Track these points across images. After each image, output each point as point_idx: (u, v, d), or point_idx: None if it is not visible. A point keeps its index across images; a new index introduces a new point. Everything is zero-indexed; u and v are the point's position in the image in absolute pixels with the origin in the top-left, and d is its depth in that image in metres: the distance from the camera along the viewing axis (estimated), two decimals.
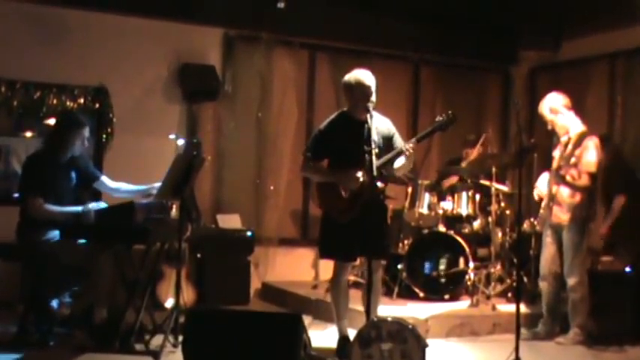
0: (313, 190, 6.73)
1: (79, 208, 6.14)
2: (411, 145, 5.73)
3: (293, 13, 8.74)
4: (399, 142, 5.94)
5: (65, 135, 6.31)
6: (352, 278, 7.88)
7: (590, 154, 6.61)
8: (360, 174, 5.72)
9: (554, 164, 6.83)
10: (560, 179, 6.67)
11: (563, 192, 6.70)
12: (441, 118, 5.83)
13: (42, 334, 6.10)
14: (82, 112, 7.79)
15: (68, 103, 8.10)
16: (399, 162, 5.85)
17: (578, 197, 6.67)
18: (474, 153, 8.55)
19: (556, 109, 6.77)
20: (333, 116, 6.06)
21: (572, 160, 6.58)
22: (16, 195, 6.83)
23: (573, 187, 6.66)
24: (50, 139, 6.42)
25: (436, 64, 10.10)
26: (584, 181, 6.63)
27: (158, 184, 6.21)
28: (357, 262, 7.46)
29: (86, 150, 6.75)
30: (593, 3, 8.84)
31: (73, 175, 6.42)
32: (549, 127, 6.89)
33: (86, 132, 6.39)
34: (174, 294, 6.18)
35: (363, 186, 5.73)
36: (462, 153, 8.75)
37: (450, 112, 5.83)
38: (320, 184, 6.07)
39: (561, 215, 6.74)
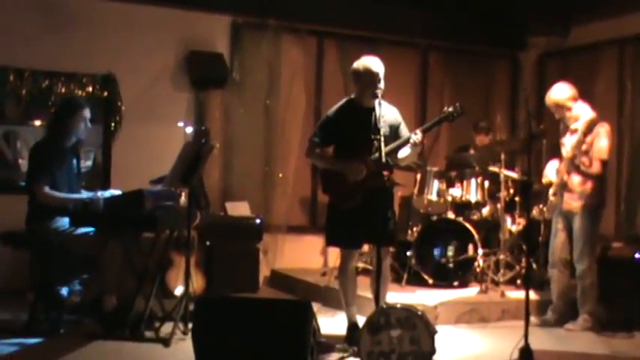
0: (318, 176, 6.73)
1: (88, 195, 6.17)
2: (418, 136, 5.72)
3: (300, 0, 8.71)
4: (405, 131, 5.92)
5: (66, 120, 6.31)
6: (361, 265, 7.91)
7: (602, 141, 6.57)
8: (363, 167, 5.72)
9: (565, 152, 6.79)
10: (575, 168, 6.63)
11: (575, 179, 6.67)
12: (449, 109, 5.82)
13: (52, 322, 6.13)
14: (90, 100, 7.77)
15: (76, 91, 8.12)
16: (404, 152, 5.84)
17: (589, 184, 6.64)
18: (485, 140, 8.53)
19: (563, 104, 6.69)
20: (341, 103, 6.05)
21: (584, 147, 6.55)
22: (22, 183, 6.84)
23: (585, 175, 6.63)
24: (52, 127, 6.42)
25: (445, 51, 10.06)
26: (596, 168, 6.60)
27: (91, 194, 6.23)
28: (366, 249, 7.48)
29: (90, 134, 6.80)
30: None
31: (74, 162, 6.45)
32: (557, 117, 6.85)
33: (86, 113, 6.39)
34: (183, 281, 6.20)
35: (368, 174, 5.73)
36: (474, 139, 8.72)
37: (458, 104, 5.82)
38: (325, 170, 6.06)
39: (572, 202, 6.71)
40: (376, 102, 5.63)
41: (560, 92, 6.73)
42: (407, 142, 5.76)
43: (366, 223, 5.64)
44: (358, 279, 6.34)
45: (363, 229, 5.74)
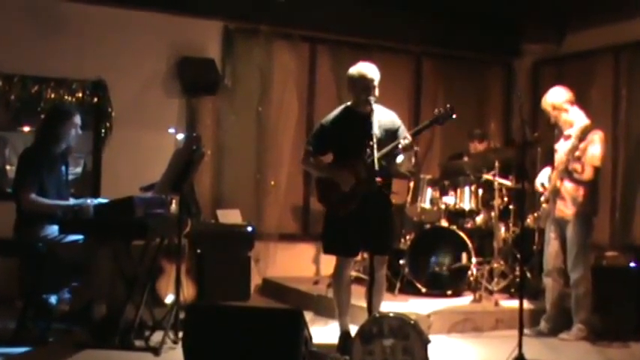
0: (313, 184, 6.70)
1: (76, 202, 6.13)
2: (406, 140, 5.68)
3: (293, 6, 8.68)
4: (405, 134, 5.87)
5: (56, 127, 6.28)
6: (354, 274, 7.84)
7: (596, 148, 6.55)
8: (352, 176, 5.69)
9: (558, 158, 6.76)
10: (567, 174, 6.59)
11: (567, 186, 6.65)
12: (439, 112, 5.78)
13: (41, 331, 6.06)
14: (81, 106, 7.79)
15: (66, 97, 8.06)
16: (399, 157, 5.80)
17: (581, 191, 6.62)
18: (480, 147, 8.49)
19: (559, 106, 6.69)
20: (337, 111, 6.02)
21: (577, 153, 6.52)
22: (9, 190, 6.79)
23: (577, 181, 6.60)
24: (42, 133, 6.39)
25: (438, 57, 10.05)
26: (588, 174, 6.56)
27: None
28: (359, 257, 7.44)
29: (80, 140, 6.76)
30: None
31: (63, 169, 6.40)
32: (552, 121, 6.83)
33: (77, 120, 6.36)
34: (174, 290, 6.16)
35: (358, 181, 5.69)
36: (468, 146, 8.67)
37: (448, 105, 5.78)
38: (320, 179, 6.05)
39: (565, 210, 6.68)
40: (370, 108, 5.59)
41: (558, 95, 6.72)
42: (397, 147, 5.72)
43: (363, 231, 5.58)
44: (352, 288, 6.29)
45: (360, 237, 5.70)
